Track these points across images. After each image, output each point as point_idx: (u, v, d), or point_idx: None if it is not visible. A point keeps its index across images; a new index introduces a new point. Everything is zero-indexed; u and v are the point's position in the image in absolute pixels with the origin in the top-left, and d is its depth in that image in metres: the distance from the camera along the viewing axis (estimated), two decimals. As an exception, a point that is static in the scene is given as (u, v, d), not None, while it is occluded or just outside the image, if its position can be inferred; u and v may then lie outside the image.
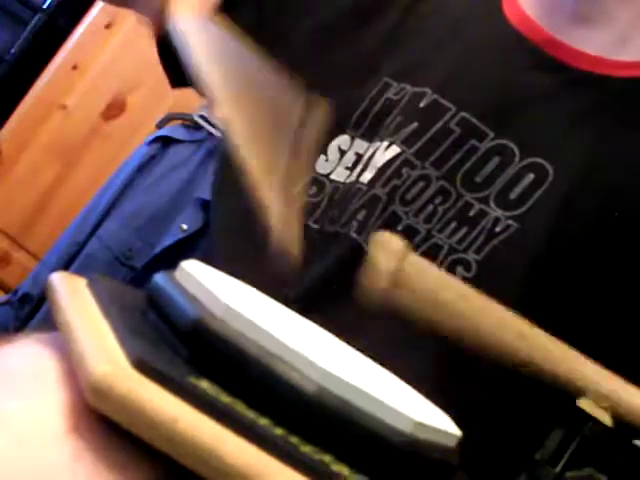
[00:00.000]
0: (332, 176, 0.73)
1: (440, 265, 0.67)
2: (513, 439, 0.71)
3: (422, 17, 0.76)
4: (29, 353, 0.41)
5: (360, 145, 0.73)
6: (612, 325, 0.69)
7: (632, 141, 0.69)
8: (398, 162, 0.70)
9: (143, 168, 1.90)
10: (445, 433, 0.42)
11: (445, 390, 0.66)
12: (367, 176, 0.71)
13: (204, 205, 1.77)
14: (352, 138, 0.73)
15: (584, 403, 0.54)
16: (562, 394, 0.75)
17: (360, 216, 0.70)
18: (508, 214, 0.68)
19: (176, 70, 0.81)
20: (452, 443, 0.43)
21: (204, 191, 1.80)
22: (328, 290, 0.67)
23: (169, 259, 1.74)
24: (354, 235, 0.70)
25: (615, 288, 0.68)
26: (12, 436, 0.35)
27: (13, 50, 2.32)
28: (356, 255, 0.69)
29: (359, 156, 0.72)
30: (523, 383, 0.70)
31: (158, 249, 1.78)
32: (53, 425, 0.35)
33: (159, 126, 1.98)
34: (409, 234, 0.69)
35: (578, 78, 0.70)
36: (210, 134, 1.89)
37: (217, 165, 0.85)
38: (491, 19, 0.74)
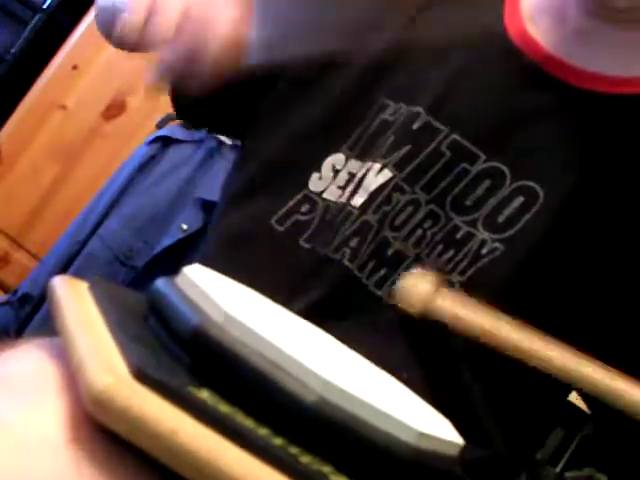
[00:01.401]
0: (324, 195, 0.73)
1: None
2: (513, 439, 0.71)
3: (422, 32, 0.76)
4: (30, 359, 0.41)
5: (353, 165, 0.73)
6: (597, 347, 0.69)
7: (627, 160, 0.68)
8: (389, 187, 0.70)
9: (143, 168, 1.90)
10: (447, 442, 0.42)
11: (445, 394, 0.66)
12: (358, 200, 0.71)
13: (204, 205, 1.77)
14: (347, 158, 0.73)
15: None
16: (562, 395, 0.75)
17: (353, 243, 0.70)
18: (495, 237, 0.68)
19: (182, 103, 0.82)
20: (454, 452, 0.43)
21: (204, 191, 1.80)
22: (321, 316, 0.67)
23: (169, 259, 1.74)
24: (347, 263, 0.70)
25: (600, 313, 0.68)
26: (12, 444, 0.35)
27: (13, 50, 2.32)
28: (349, 283, 0.69)
29: (351, 176, 0.72)
30: (523, 384, 0.70)
31: (158, 249, 1.78)
32: (53, 434, 0.35)
33: (159, 126, 1.98)
34: (398, 259, 0.69)
35: (577, 96, 0.70)
36: (210, 134, 1.89)
37: (228, 176, 0.86)
38: (491, 34, 0.74)
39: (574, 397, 0.78)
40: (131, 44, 0.66)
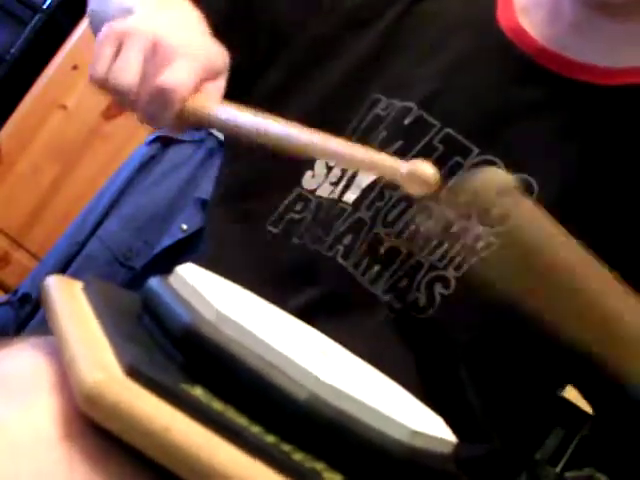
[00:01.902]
0: (317, 192, 0.73)
1: (419, 282, 0.68)
2: (512, 439, 0.71)
3: (414, 25, 0.75)
4: (24, 358, 0.41)
5: None
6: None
7: (622, 151, 0.68)
8: (382, 183, 0.70)
9: (143, 168, 1.90)
10: (441, 440, 0.42)
11: (441, 393, 0.66)
12: (351, 196, 0.71)
13: (204, 205, 1.77)
14: None
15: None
16: (553, 389, 0.75)
17: (346, 240, 0.70)
18: (490, 231, 0.68)
19: None
20: (448, 450, 0.43)
21: (204, 191, 1.80)
22: (316, 314, 0.67)
23: (169, 259, 1.74)
24: (340, 260, 0.70)
25: None
26: (6, 443, 0.35)
27: (13, 50, 2.32)
28: (343, 280, 0.69)
29: (344, 172, 0.72)
30: (521, 384, 0.70)
31: (158, 249, 1.78)
32: (46, 432, 0.35)
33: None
34: (391, 256, 0.69)
35: (570, 87, 0.69)
36: (210, 134, 1.89)
37: (218, 174, 0.85)
38: (484, 27, 0.74)
39: (574, 397, 0.78)
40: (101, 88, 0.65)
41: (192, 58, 0.60)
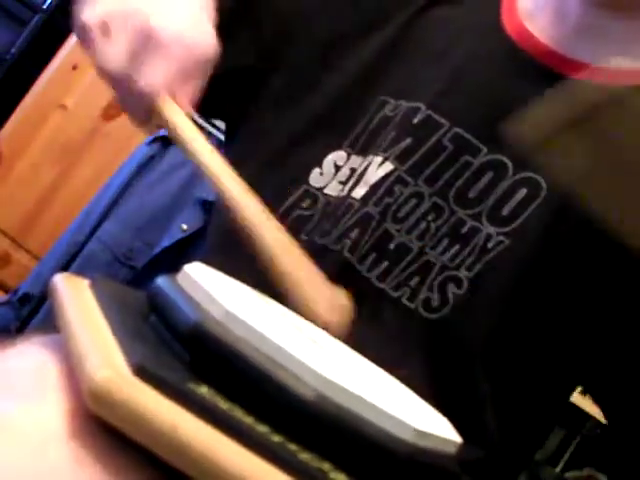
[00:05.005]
0: (326, 190, 0.73)
1: (432, 283, 0.68)
2: (513, 439, 0.71)
3: (421, 31, 0.76)
4: (31, 356, 0.41)
5: (355, 161, 0.73)
6: (599, 341, 0.69)
7: (629, 152, 0.69)
8: (391, 179, 0.70)
9: (143, 168, 1.90)
10: (445, 440, 0.42)
11: (449, 392, 0.66)
12: (360, 192, 0.71)
13: (204, 205, 1.77)
14: (348, 155, 0.73)
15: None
16: (562, 395, 0.75)
17: (353, 234, 0.70)
18: (500, 230, 0.68)
19: None
20: (452, 450, 0.43)
21: (204, 191, 1.80)
22: None
23: (169, 259, 1.74)
24: (347, 254, 0.70)
25: (605, 305, 0.68)
26: (13, 440, 0.35)
27: (13, 50, 2.32)
28: (349, 275, 0.69)
29: (353, 171, 0.72)
30: (528, 384, 0.70)
31: (158, 249, 1.78)
32: (54, 429, 0.35)
33: (159, 126, 1.98)
34: (401, 252, 0.69)
35: (577, 88, 0.70)
36: (210, 134, 1.89)
37: None
38: (489, 31, 0.74)
39: (574, 397, 0.78)
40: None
41: (173, 58, 0.62)
